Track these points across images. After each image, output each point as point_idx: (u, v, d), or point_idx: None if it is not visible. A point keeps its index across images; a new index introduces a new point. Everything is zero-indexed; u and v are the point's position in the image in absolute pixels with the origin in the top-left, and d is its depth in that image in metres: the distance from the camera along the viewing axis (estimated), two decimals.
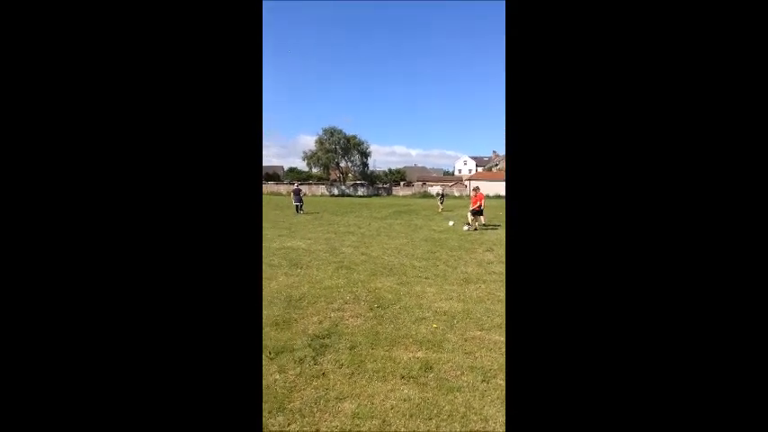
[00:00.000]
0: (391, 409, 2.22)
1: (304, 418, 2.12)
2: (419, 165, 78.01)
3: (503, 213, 14.10)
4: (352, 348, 2.96)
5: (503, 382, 2.46)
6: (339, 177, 45.74)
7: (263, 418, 2.10)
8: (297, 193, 15.62)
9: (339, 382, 2.48)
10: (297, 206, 15.14)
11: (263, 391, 2.34)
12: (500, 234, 9.59)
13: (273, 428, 2.03)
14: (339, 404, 2.26)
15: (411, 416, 2.16)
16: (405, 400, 2.30)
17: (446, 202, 19.27)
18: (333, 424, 2.08)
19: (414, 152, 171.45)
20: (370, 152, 46.03)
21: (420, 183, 45.02)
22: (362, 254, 6.84)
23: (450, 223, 11.91)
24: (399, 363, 2.75)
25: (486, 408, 2.24)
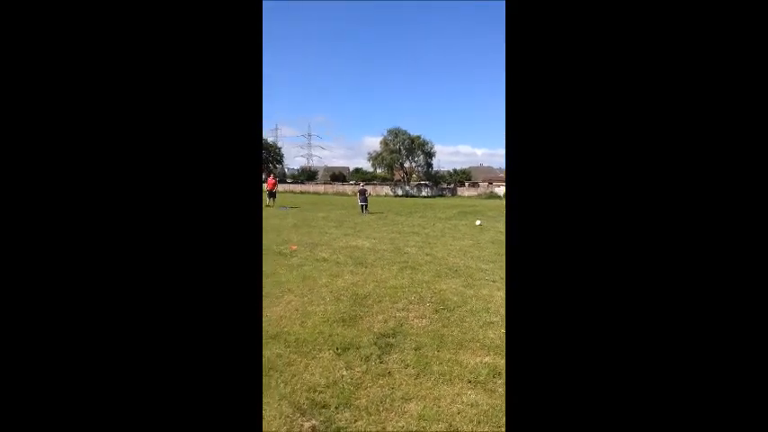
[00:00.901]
0: (458, 413, 2.17)
1: (370, 415, 2.14)
2: (485, 164, 75.99)
3: None
4: (417, 349, 2.94)
5: None
6: (403, 178, 45.92)
7: (330, 412, 2.15)
8: (362, 193, 15.91)
9: (405, 383, 2.47)
10: (362, 206, 15.42)
11: (330, 387, 2.40)
12: None
13: (341, 423, 2.07)
14: (405, 405, 2.25)
15: (479, 422, 2.10)
16: (472, 406, 2.24)
17: None
18: (399, 424, 2.08)
19: (479, 152, 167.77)
20: (434, 152, 45.64)
21: (486, 183, 43.86)
22: (427, 254, 6.79)
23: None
24: (466, 367, 2.68)
25: None
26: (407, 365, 2.70)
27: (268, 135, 56.16)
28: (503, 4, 1.13)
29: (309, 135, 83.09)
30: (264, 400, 2.24)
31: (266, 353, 2.83)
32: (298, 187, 40.39)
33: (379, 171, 47.62)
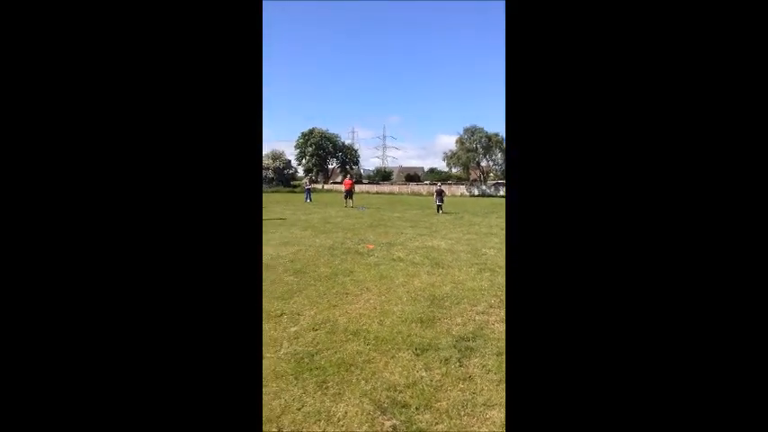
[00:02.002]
0: None
1: (451, 419, 2.09)
2: None
3: None
4: (499, 355, 2.83)
5: None
6: (479, 177, 44.80)
7: (411, 413, 2.13)
8: (439, 193, 15.78)
9: (486, 388, 2.39)
10: (438, 206, 15.29)
11: (410, 387, 2.39)
12: None
13: (421, 425, 2.05)
14: (487, 411, 2.17)
15: None
16: None
17: None
18: (481, 430, 2.01)
19: None
20: None
21: None
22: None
23: None
24: None
25: None
26: (489, 371, 2.60)
27: (345, 137, 57.88)
28: (503, 4, 1.14)
29: (384, 136, 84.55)
30: (345, 395, 2.29)
31: (346, 348, 2.90)
32: (373, 188, 41.19)
33: (454, 170, 46.95)
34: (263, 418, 2.06)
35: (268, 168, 42.67)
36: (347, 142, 53.43)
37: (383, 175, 53.49)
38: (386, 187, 42.33)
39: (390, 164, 65.28)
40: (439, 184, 21.34)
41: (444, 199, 15.77)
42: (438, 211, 15.01)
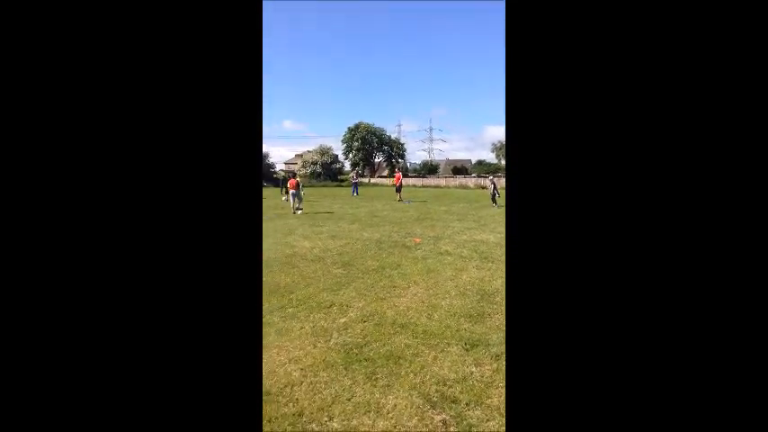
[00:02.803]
0: None
1: (503, 417, 2.04)
2: None
3: None
4: None
5: None
6: None
7: (461, 408, 2.10)
8: (493, 185, 15.38)
9: None
10: (492, 196, 14.93)
11: (460, 382, 2.35)
12: None
13: (472, 420, 2.02)
14: None
15: None
16: None
17: None
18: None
19: None
20: None
21: None
22: None
23: None
24: None
25: None
26: None
27: (391, 131, 57.87)
28: (502, 4, 1.14)
29: (431, 128, 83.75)
30: (394, 387, 2.30)
31: (395, 341, 2.90)
32: (419, 181, 40.97)
33: (503, 162, 45.70)
34: (314, 407, 2.11)
35: (316, 163, 43.57)
36: (393, 136, 53.40)
37: (429, 169, 53.02)
38: (432, 180, 41.95)
39: (437, 157, 64.54)
40: (491, 176, 20.80)
41: (497, 191, 15.22)
42: (494, 204, 14.59)
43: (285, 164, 55.74)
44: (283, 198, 18.57)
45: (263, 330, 3.13)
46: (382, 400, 2.18)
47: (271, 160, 44.99)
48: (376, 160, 53.26)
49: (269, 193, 21.31)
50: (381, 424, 1.99)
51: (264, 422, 1.99)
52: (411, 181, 39.66)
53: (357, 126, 49.48)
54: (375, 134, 49.65)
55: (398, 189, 18.20)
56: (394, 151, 52.20)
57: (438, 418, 2.04)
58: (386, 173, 51.75)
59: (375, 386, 2.32)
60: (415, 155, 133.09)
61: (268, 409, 2.09)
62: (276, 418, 2.03)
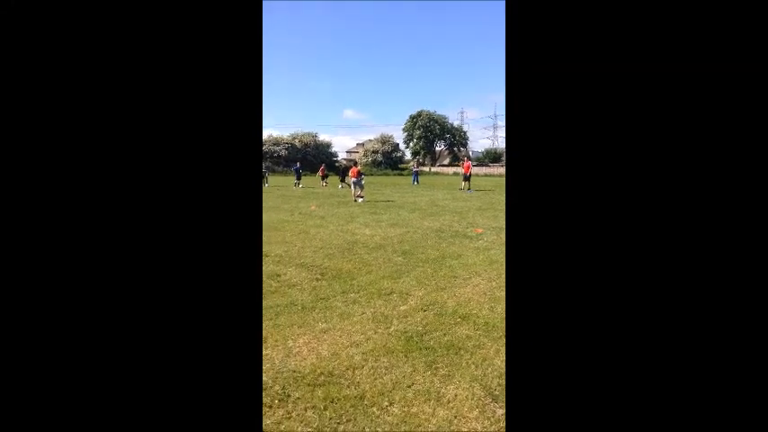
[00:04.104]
0: None
1: None
2: None
3: None
4: None
5: None
6: None
7: None
8: None
9: None
10: None
11: None
12: None
13: None
14: None
15: None
16: None
17: None
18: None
19: None
20: None
21: None
22: None
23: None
24: None
25: None
26: None
27: (454, 119, 56.82)
28: (502, 4, 1.14)
29: (495, 115, 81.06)
30: (455, 378, 2.28)
31: (455, 332, 2.87)
32: (482, 170, 39.95)
33: None
34: (375, 391, 2.15)
35: (377, 152, 43.93)
36: (456, 123, 52.39)
37: (493, 157, 51.46)
38: (495, 169, 40.72)
39: (501, 144, 62.44)
40: None
41: None
42: None
43: (347, 152, 56.84)
44: (340, 186, 18.98)
45: (326, 314, 3.24)
46: (442, 390, 2.17)
47: (333, 149, 46.02)
48: (437, 148, 52.66)
49: (332, 181, 21.87)
50: (442, 413, 1.98)
51: (327, 403, 2.06)
52: (473, 170, 38.83)
53: (419, 114, 49.13)
54: (437, 122, 49.04)
55: (467, 178, 17.84)
56: (456, 139, 51.27)
57: (500, 411, 1.99)
58: (447, 161, 51.00)
59: (435, 375, 2.32)
60: (478, 143, 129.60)
61: (331, 390, 2.16)
62: (339, 399, 2.09)
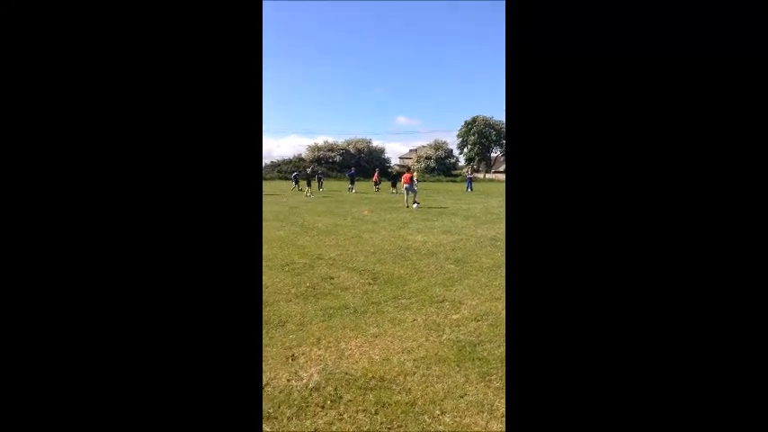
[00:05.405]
0: None
1: None
2: None
3: None
4: None
5: None
6: None
7: None
8: None
9: None
10: None
11: None
12: None
13: None
14: None
15: None
16: None
17: None
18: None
19: None
20: None
21: None
22: None
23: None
24: None
25: None
26: None
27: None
28: (502, 4, 1.14)
29: None
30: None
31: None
32: None
33: None
34: (427, 399, 2.13)
35: (430, 158, 43.78)
36: (494, 119, 50.90)
37: None
38: None
39: None
40: None
41: None
42: None
43: (400, 158, 57.10)
44: (391, 192, 19.05)
45: (378, 318, 3.26)
46: (496, 403, 2.11)
47: (386, 155, 46.41)
48: (493, 155, 51.54)
49: (384, 187, 22.08)
50: (495, 426, 1.93)
51: (378, 407, 2.07)
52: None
53: (474, 119, 48.40)
54: (493, 127, 48.03)
55: None
56: (503, 138, 49.84)
57: None
58: (502, 168, 49.71)
59: (489, 387, 2.26)
60: None
61: (382, 395, 2.17)
62: (390, 404, 2.09)
